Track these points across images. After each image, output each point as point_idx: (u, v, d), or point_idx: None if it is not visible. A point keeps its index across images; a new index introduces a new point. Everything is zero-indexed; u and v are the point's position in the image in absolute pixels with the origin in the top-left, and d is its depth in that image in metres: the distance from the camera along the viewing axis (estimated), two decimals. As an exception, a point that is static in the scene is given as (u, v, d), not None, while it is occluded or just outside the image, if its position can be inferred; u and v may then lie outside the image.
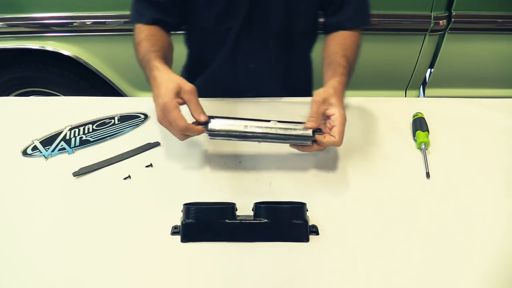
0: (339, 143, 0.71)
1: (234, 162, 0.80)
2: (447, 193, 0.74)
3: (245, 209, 0.67)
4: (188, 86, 0.70)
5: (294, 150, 0.76)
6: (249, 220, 0.64)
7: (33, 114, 0.95)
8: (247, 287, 0.58)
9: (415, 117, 0.90)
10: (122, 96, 1.70)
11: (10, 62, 1.66)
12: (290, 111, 0.88)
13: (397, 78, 1.72)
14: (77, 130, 0.90)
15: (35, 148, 0.84)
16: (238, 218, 0.65)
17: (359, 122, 0.91)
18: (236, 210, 0.66)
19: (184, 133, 0.70)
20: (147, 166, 0.79)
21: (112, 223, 0.68)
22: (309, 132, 0.72)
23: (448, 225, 0.67)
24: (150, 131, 0.88)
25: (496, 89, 1.74)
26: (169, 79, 0.71)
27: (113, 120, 0.93)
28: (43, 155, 0.83)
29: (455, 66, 1.67)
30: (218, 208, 0.65)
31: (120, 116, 0.94)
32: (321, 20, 1.00)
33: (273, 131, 0.72)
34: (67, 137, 0.87)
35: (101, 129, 0.90)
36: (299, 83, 1.10)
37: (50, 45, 1.55)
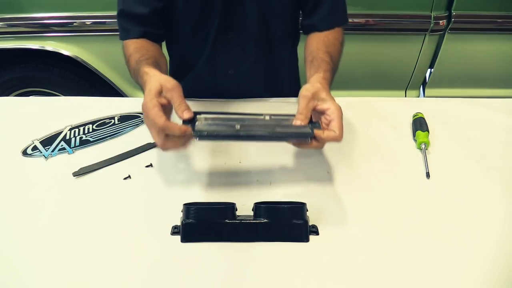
0: (339, 137, 0.65)
1: (234, 162, 0.80)
2: (447, 193, 0.74)
3: (245, 209, 0.67)
4: (170, 83, 0.65)
5: (295, 150, 0.76)
6: (249, 220, 0.64)
7: (33, 114, 0.96)
8: (247, 287, 0.58)
9: (415, 117, 0.90)
10: (122, 96, 1.70)
11: (10, 62, 1.66)
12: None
13: (397, 78, 1.72)
14: (77, 130, 0.90)
15: (35, 148, 0.84)
16: (238, 218, 0.65)
17: (359, 122, 0.91)
18: (236, 210, 0.65)
19: (164, 132, 0.62)
20: (147, 166, 0.79)
21: (112, 223, 0.67)
22: (307, 129, 0.66)
23: (448, 225, 0.67)
24: (150, 131, 0.88)
25: (496, 89, 1.74)
26: (154, 80, 0.67)
27: (113, 120, 0.93)
28: (43, 155, 0.83)
29: (455, 66, 1.67)
30: (218, 208, 0.65)
31: (120, 116, 0.94)
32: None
33: (268, 129, 0.66)
34: (67, 137, 0.87)
35: (101, 129, 0.90)
36: (285, 85, 1.08)
37: (50, 45, 1.55)
